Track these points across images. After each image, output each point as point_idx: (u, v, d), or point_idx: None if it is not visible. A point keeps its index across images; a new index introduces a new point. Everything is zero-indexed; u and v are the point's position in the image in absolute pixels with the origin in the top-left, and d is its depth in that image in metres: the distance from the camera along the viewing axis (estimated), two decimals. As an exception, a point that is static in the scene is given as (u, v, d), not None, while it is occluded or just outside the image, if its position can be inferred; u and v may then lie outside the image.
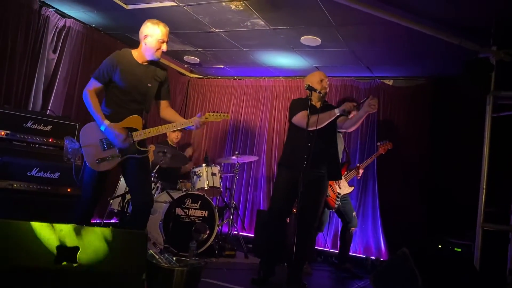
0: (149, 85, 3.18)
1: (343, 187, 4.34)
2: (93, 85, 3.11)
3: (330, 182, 4.28)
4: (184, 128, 3.26)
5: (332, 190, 4.28)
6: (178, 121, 3.22)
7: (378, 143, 4.61)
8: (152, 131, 3.13)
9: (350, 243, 4.60)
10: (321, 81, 3.75)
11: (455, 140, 5.04)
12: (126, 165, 3.14)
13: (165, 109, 3.34)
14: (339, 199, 4.31)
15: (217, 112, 3.27)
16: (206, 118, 3.20)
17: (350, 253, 5.26)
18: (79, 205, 3.23)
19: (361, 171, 4.50)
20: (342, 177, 4.33)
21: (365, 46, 4.74)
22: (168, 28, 3.17)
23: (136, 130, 3.09)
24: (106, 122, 3.01)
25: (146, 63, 3.17)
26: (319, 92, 3.60)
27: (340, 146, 4.54)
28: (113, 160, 3.06)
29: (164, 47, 3.13)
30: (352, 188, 4.44)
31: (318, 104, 3.77)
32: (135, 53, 3.18)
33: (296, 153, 3.58)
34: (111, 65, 3.08)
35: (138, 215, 3.16)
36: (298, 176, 3.37)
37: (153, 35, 3.09)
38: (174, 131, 5.55)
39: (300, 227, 3.40)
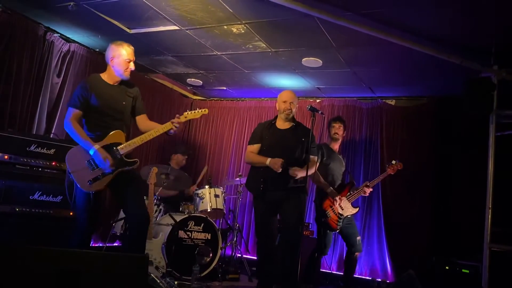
0: (123, 103, 3.27)
1: (346, 208, 4.26)
2: (72, 113, 3.13)
3: (329, 203, 4.24)
4: (167, 133, 3.25)
5: (333, 211, 4.22)
6: (158, 127, 3.25)
7: (387, 164, 4.54)
8: (136, 141, 3.17)
9: (354, 267, 4.48)
10: (284, 102, 3.83)
11: (459, 159, 5.01)
12: (116, 181, 3.12)
13: (144, 122, 3.38)
14: (341, 221, 4.23)
15: (195, 110, 3.35)
16: (185, 116, 3.28)
17: (356, 275, 5.20)
18: (75, 230, 3.18)
19: (368, 190, 4.40)
20: (344, 198, 4.29)
21: (366, 66, 4.77)
22: (132, 48, 3.26)
23: (119, 144, 3.14)
24: (96, 146, 3.04)
25: (117, 83, 3.28)
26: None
27: (341, 168, 4.51)
28: (104, 178, 3.06)
29: (131, 65, 3.24)
30: (357, 209, 4.36)
31: (286, 125, 3.85)
32: (104, 76, 3.27)
33: (253, 177, 3.80)
34: (85, 90, 3.14)
35: (135, 229, 3.13)
36: (262, 198, 3.68)
37: (119, 56, 3.20)
38: (179, 155, 5.58)
39: (282, 244, 3.64)
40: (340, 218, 4.22)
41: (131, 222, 3.20)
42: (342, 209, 4.24)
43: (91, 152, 3.02)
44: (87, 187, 3.02)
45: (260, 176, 3.69)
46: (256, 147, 3.84)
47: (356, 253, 4.35)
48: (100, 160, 3.02)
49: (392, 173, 4.45)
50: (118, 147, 3.12)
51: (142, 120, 3.38)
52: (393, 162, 4.47)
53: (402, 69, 4.73)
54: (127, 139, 3.19)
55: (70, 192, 3.10)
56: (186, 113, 3.30)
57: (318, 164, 4.01)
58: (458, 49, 3.88)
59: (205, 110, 3.38)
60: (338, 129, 4.50)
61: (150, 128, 3.29)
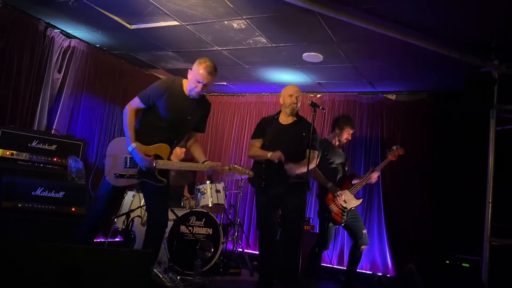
0: (189, 118, 3.19)
1: (349, 201, 4.27)
2: (137, 104, 3.11)
3: (332, 197, 4.25)
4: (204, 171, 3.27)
5: (336, 205, 4.23)
6: (198, 164, 3.21)
7: (387, 150, 4.50)
8: (175, 164, 3.16)
9: (359, 261, 4.47)
10: (290, 96, 3.80)
11: (460, 154, 5.02)
12: (145, 186, 3.16)
13: (194, 143, 3.37)
14: (345, 214, 4.23)
15: (243, 166, 3.27)
16: (230, 168, 3.19)
17: (357, 270, 5.22)
18: (87, 219, 3.23)
19: (375, 174, 4.35)
20: (346, 190, 4.30)
21: (367, 61, 4.77)
22: (211, 72, 3.07)
23: (161, 158, 3.09)
24: (134, 144, 3.01)
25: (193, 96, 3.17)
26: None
27: (342, 161, 4.50)
28: (130, 179, 3.07)
29: (199, 88, 3.07)
30: (360, 200, 4.34)
31: (289, 120, 3.84)
32: (185, 84, 3.18)
33: (255, 171, 3.75)
34: (158, 92, 3.08)
35: (150, 236, 3.18)
36: (264, 192, 3.71)
37: (193, 73, 3.09)
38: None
39: (283, 238, 3.66)
40: (344, 211, 4.23)
41: (150, 229, 3.20)
42: (345, 202, 4.25)
43: (129, 148, 3.01)
44: (112, 179, 3.05)
45: (262, 171, 3.71)
46: (258, 141, 3.85)
47: (363, 247, 4.35)
48: (138, 158, 3.00)
49: (394, 159, 4.41)
50: (158, 161, 3.07)
51: (193, 138, 3.37)
52: (394, 148, 4.43)
53: (402, 64, 4.73)
54: (169, 157, 3.15)
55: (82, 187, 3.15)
56: (233, 165, 3.21)
57: (318, 159, 4.02)
58: (459, 44, 3.87)
59: (251, 172, 3.30)
60: (349, 135, 4.48)
61: (192, 151, 3.33)
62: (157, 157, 3.08)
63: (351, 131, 4.47)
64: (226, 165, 3.19)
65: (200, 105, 3.24)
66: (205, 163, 3.18)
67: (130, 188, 4.49)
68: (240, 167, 3.23)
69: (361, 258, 4.54)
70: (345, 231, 4.76)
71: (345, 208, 4.24)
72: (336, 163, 4.40)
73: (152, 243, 3.11)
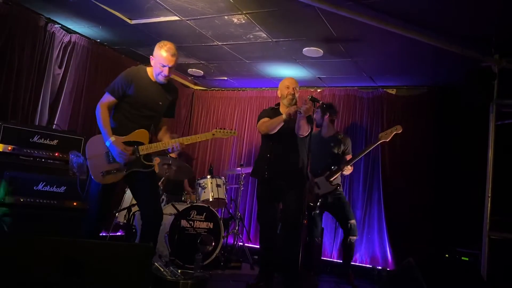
0: (160, 103, 3.21)
1: (322, 187, 4.39)
2: (107, 99, 3.13)
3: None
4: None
5: (310, 192, 4.31)
6: (190, 137, 3.22)
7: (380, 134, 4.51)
8: (159, 145, 3.12)
9: (351, 252, 4.53)
10: (287, 87, 3.83)
11: (460, 149, 5.03)
12: (132, 179, 3.15)
13: (165, 133, 3.35)
14: (318, 200, 4.37)
15: (224, 128, 3.28)
16: (213, 134, 3.22)
17: (357, 263, 5.28)
18: (87, 219, 3.24)
19: (346, 168, 4.43)
20: (322, 177, 4.42)
21: (367, 56, 4.77)
22: (173, 53, 3.07)
23: (142, 144, 3.10)
24: (112, 138, 3.01)
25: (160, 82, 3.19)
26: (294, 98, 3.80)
27: (324, 151, 4.58)
28: (118, 173, 3.06)
29: (165, 71, 3.09)
30: (334, 186, 4.38)
31: None
32: (149, 71, 3.19)
33: (258, 163, 3.81)
34: (126, 81, 3.10)
35: (147, 228, 3.18)
36: (266, 184, 3.74)
37: (156, 57, 3.10)
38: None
39: (283, 233, 3.71)
40: (317, 198, 4.37)
41: (146, 221, 3.20)
42: (319, 188, 4.34)
43: (107, 144, 3.02)
44: (99, 178, 3.04)
45: (265, 163, 3.73)
46: (266, 119, 3.81)
47: (350, 237, 4.43)
48: (116, 153, 3.00)
49: (387, 140, 4.42)
50: (139, 147, 3.08)
51: (164, 128, 3.36)
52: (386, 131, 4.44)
53: (403, 59, 4.73)
54: (150, 141, 3.15)
55: (82, 181, 3.15)
56: (215, 130, 3.23)
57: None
58: (459, 39, 3.87)
59: (234, 132, 3.29)
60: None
61: (160, 136, 3.32)
62: (138, 143, 3.09)
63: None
64: (208, 132, 3.23)
65: (168, 90, 3.25)
66: (204, 133, 3.24)
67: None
68: (223, 130, 3.25)
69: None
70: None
71: (317, 194, 4.34)
72: (315, 152, 4.38)
73: (149, 239, 3.11)
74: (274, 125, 3.66)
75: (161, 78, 3.13)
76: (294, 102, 3.84)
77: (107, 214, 3.22)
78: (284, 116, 3.55)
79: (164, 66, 3.07)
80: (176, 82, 6.67)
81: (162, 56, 3.05)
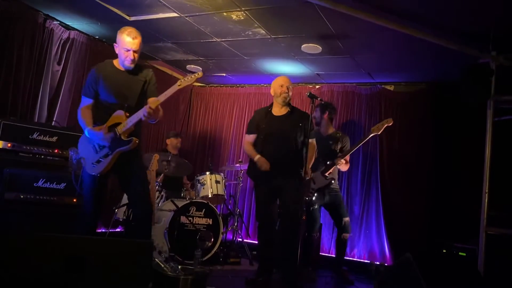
0: (132, 87, 3.21)
1: (317, 181, 4.43)
2: (84, 102, 3.19)
3: None
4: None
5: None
6: (157, 98, 3.05)
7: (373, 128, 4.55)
8: (132, 118, 3.04)
9: (343, 249, 4.62)
10: (281, 86, 3.84)
11: (457, 145, 5.06)
12: (118, 166, 3.14)
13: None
14: (313, 194, 4.40)
15: (189, 76, 3.06)
16: (179, 85, 2.99)
17: (355, 259, 5.34)
18: (81, 216, 3.25)
19: (339, 161, 4.45)
20: (318, 172, 4.46)
21: (365, 53, 4.78)
22: (135, 36, 3.09)
23: (119, 123, 3.10)
24: (88, 126, 3.08)
25: (127, 69, 3.20)
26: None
27: (325, 150, 4.61)
28: (105, 159, 3.09)
29: (130, 55, 3.10)
30: (329, 180, 4.44)
31: (283, 110, 3.88)
32: (116, 61, 3.23)
33: (253, 162, 3.83)
34: (93, 78, 3.15)
35: (139, 217, 3.21)
36: (262, 185, 3.81)
37: (119, 44, 3.14)
38: (172, 139, 5.64)
39: (282, 229, 3.73)
40: (312, 192, 4.41)
41: (135, 212, 3.24)
42: (314, 183, 4.38)
43: (86, 133, 3.08)
44: (93, 170, 3.10)
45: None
46: (252, 137, 3.91)
47: (344, 234, 4.49)
48: (96, 138, 3.05)
49: (378, 133, 4.46)
50: (117, 127, 3.09)
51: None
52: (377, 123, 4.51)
53: (401, 55, 4.74)
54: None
55: (77, 176, 3.18)
56: (180, 81, 3.02)
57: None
58: (457, 35, 3.89)
59: (199, 74, 3.04)
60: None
61: None
62: (117, 125, 3.08)
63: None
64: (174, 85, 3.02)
65: (138, 72, 3.24)
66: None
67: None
68: (187, 78, 3.02)
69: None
70: None
71: (312, 189, 4.40)
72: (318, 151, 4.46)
73: (143, 231, 3.14)
74: (250, 155, 3.84)
75: (127, 63, 3.14)
76: (287, 101, 3.85)
77: (99, 209, 3.22)
78: (255, 159, 3.71)
79: (128, 50, 3.09)
80: (174, 78, 6.67)
81: (124, 41, 3.08)
